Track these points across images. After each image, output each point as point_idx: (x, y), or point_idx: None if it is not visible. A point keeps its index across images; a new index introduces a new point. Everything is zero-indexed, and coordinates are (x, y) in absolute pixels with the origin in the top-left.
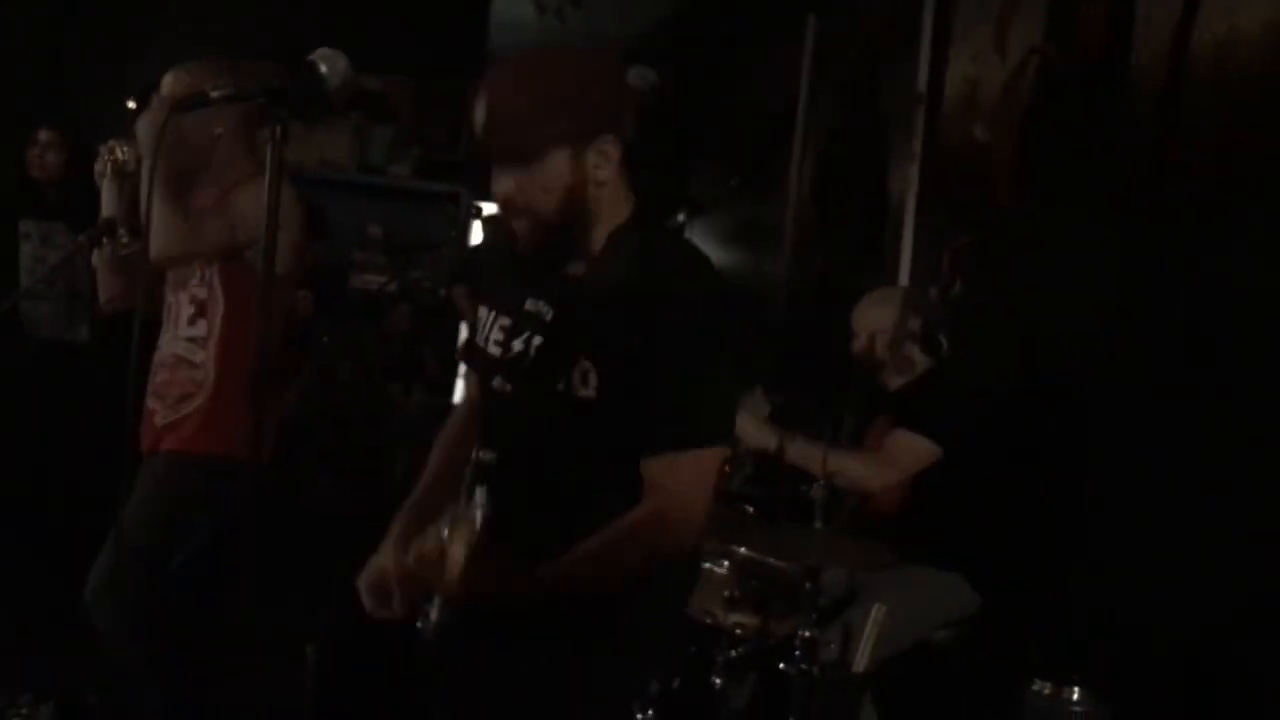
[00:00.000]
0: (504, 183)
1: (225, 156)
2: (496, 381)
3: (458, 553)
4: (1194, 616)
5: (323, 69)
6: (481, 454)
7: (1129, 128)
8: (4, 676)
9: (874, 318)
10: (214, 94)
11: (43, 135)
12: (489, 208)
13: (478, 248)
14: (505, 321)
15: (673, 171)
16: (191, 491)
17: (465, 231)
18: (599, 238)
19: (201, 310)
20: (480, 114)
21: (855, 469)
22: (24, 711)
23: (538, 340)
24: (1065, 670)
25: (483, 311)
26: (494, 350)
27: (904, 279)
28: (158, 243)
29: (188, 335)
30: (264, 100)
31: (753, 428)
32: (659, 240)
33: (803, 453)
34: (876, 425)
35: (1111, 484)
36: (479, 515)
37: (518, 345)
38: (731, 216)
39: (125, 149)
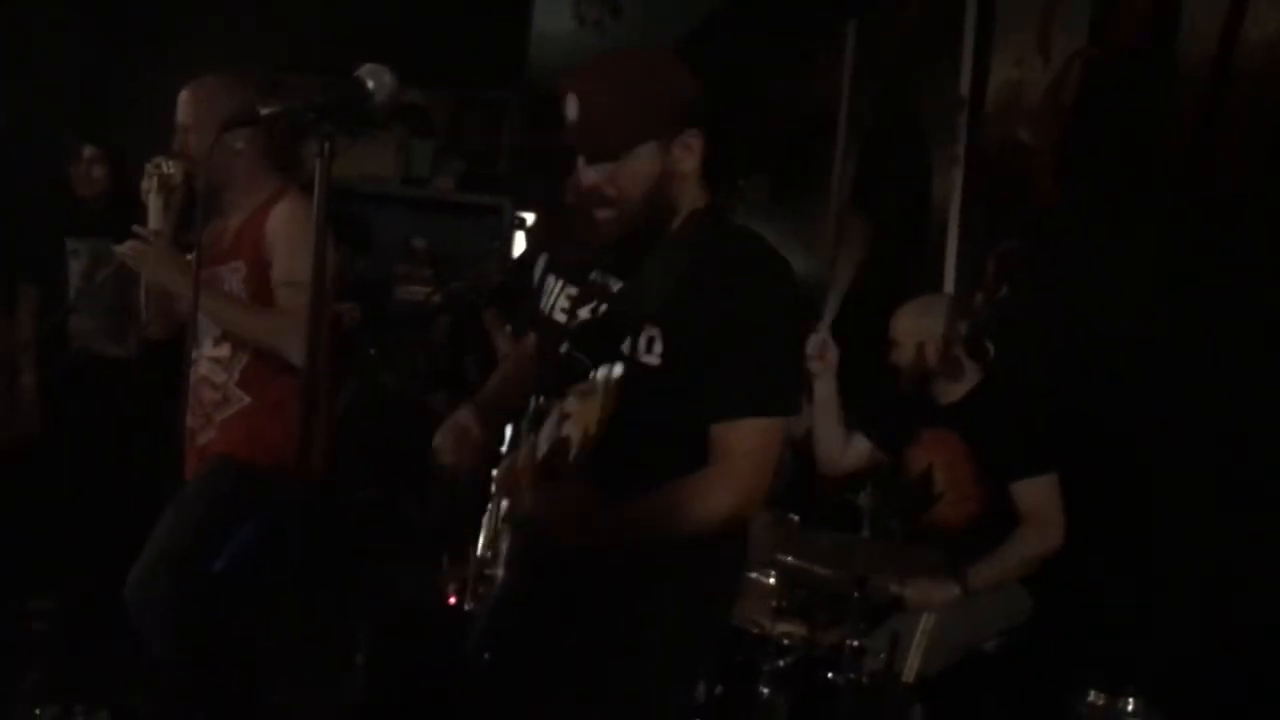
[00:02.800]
0: (591, 174)
1: (248, 173)
2: (563, 348)
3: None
4: (1251, 625)
5: (370, 84)
6: (541, 401)
7: (1174, 129)
8: (58, 685)
9: (920, 327)
10: (264, 112)
11: (87, 151)
12: (530, 218)
13: (521, 260)
14: (572, 291)
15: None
16: (230, 493)
17: (508, 242)
18: (677, 222)
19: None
20: (571, 111)
21: (1038, 548)
22: None
23: (604, 308)
24: (1120, 680)
25: (550, 280)
26: (559, 317)
27: (949, 283)
28: (288, 347)
29: (212, 355)
30: (313, 116)
31: (937, 589)
32: (732, 225)
33: (987, 574)
34: (928, 437)
35: (1166, 488)
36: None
37: (584, 313)
38: (773, 221)
39: (171, 165)
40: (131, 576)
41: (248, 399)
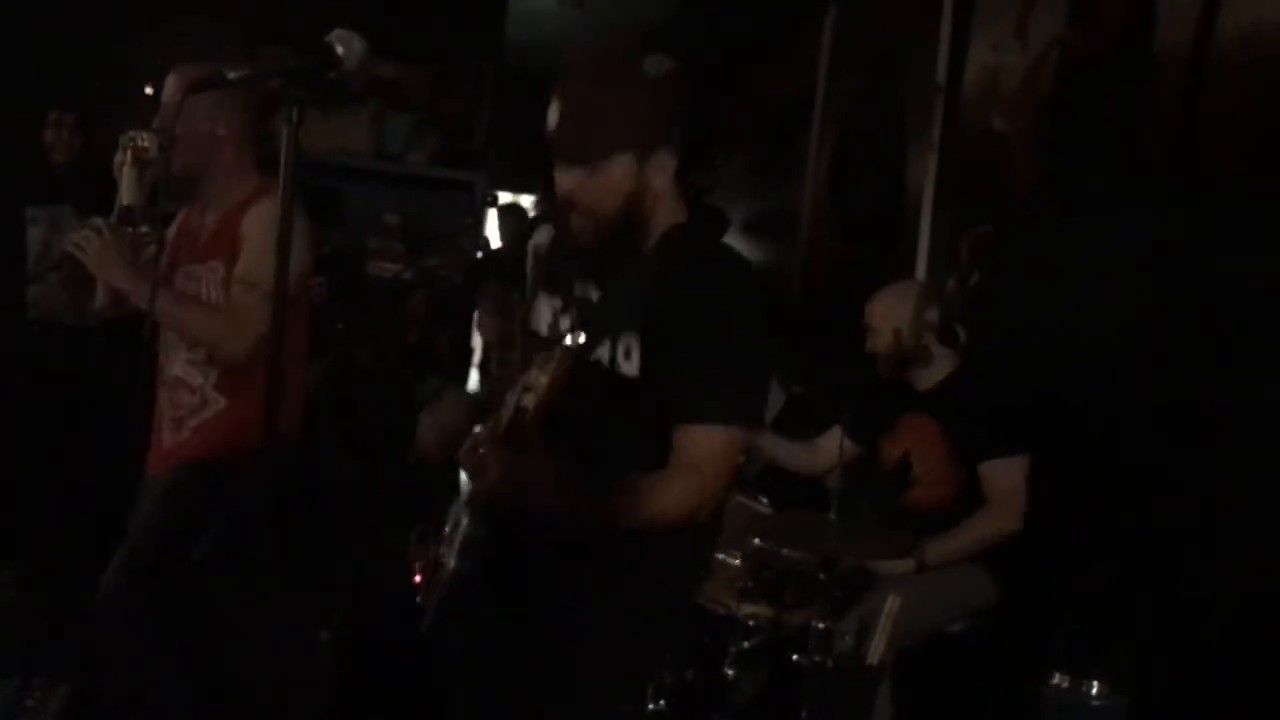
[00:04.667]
0: (566, 180)
1: (230, 166)
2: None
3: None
4: (1213, 609)
5: (339, 50)
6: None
7: (1151, 117)
8: (18, 659)
9: (895, 312)
10: (231, 75)
11: (63, 118)
12: (505, 196)
13: (496, 250)
14: (555, 303)
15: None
16: (204, 498)
17: (481, 220)
18: (653, 239)
19: None
20: (554, 113)
21: (979, 536)
22: (38, 695)
23: (583, 320)
24: (1084, 663)
25: (540, 297)
26: (542, 329)
27: (921, 269)
28: (229, 346)
29: (187, 358)
30: (280, 81)
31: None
32: (709, 242)
33: (945, 552)
34: (908, 421)
35: (1133, 475)
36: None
37: (564, 324)
38: (747, 205)
39: (146, 137)
40: (104, 586)
41: (224, 402)
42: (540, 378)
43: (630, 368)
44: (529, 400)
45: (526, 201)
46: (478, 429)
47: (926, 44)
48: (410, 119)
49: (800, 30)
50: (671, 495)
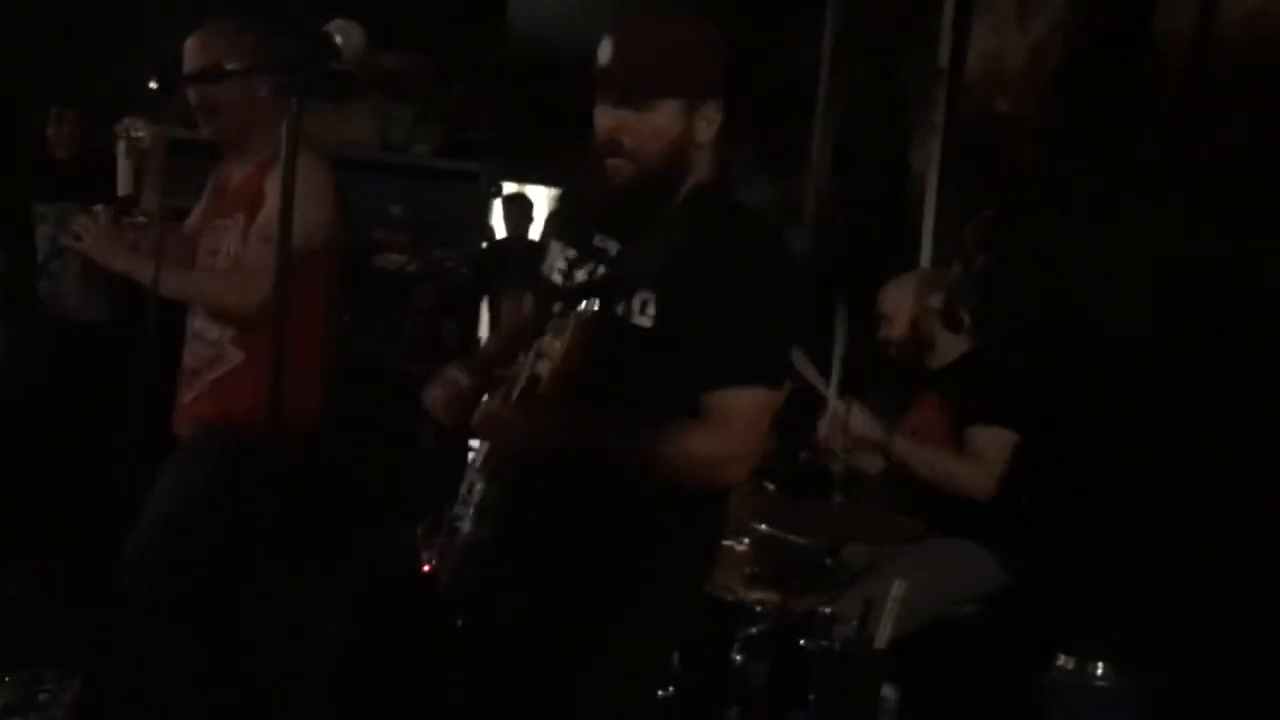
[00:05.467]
0: (611, 119)
1: (263, 124)
2: (557, 308)
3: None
4: (1217, 592)
5: (338, 39)
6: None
7: (1153, 99)
8: (30, 653)
9: (909, 300)
10: (230, 66)
11: (64, 114)
12: (510, 187)
13: (505, 241)
14: (571, 253)
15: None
16: (227, 462)
17: (487, 210)
18: (683, 193)
19: None
20: (605, 54)
21: (948, 468)
22: (50, 687)
23: (600, 270)
24: (1089, 645)
25: (553, 244)
26: (556, 278)
27: (926, 253)
28: (240, 304)
29: (206, 312)
30: (281, 71)
31: (864, 419)
32: (737, 201)
33: (911, 452)
34: (920, 399)
35: (1140, 458)
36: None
37: (580, 275)
38: (751, 190)
39: (140, 127)
40: (130, 548)
41: (242, 355)
42: (555, 344)
43: (644, 320)
44: (543, 368)
45: (531, 191)
46: (487, 399)
47: (929, 28)
48: (413, 110)
49: (803, 16)
50: (699, 443)
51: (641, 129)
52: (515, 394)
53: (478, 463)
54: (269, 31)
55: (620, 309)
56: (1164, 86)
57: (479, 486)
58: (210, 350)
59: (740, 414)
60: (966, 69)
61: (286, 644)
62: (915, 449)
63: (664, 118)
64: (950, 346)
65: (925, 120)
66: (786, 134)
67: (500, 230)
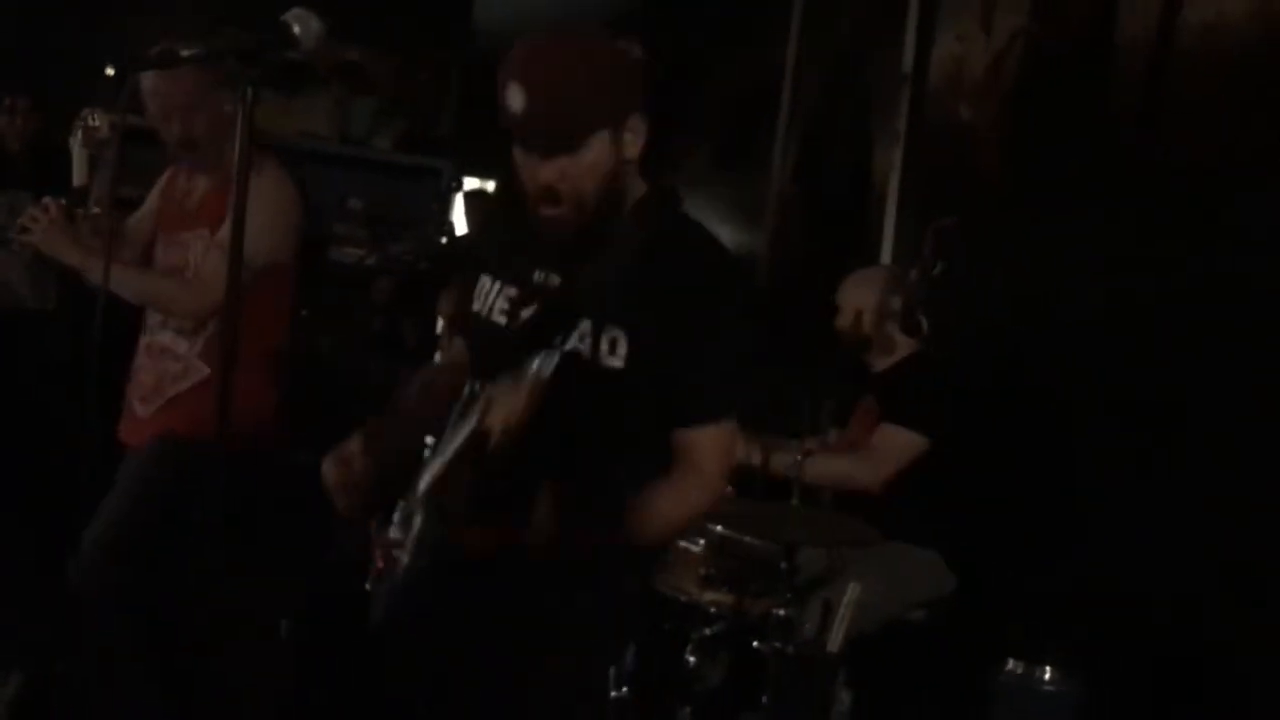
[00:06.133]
0: (546, 171)
1: (229, 138)
2: (510, 351)
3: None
4: (1164, 596)
5: (295, 29)
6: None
7: (1114, 108)
8: None
9: (859, 295)
10: (184, 53)
11: (19, 102)
12: (471, 182)
13: (463, 236)
14: (512, 291)
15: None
16: (185, 477)
17: (447, 206)
18: (628, 210)
19: None
20: (516, 102)
21: (842, 470)
22: None
23: (547, 309)
24: (1038, 650)
25: (485, 281)
26: (499, 319)
27: (886, 258)
28: (199, 303)
29: (175, 327)
30: (235, 61)
31: (781, 459)
32: (676, 214)
33: (812, 473)
34: (861, 406)
35: (1087, 465)
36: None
37: (526, 314)
38: (713, 193)
39: (99, 117)
40: (79, 561)
41: (208, 370)
42: (510, 398)
43: (616, 361)
44: (495, 419)
45: (493, 189)
46: (432, 462)
47: (893, 33)
48: (375, 104)
49: (770, 17)
50: (687, 505)
51: (575, 174)
52: (457, 449)
53: (418, 492)
54: (226, 23)
55: (584, 347)
56: (1125, 95)
57: (417, 519)
58: (177, 365)
59: (715, 453)
60: (930, 75)
61: (239, 643)
62: (813, 467)
63: (596, 153)
64: (898, 349)
65: (888, 125)
66: (748, 135)
67: (461, 227)
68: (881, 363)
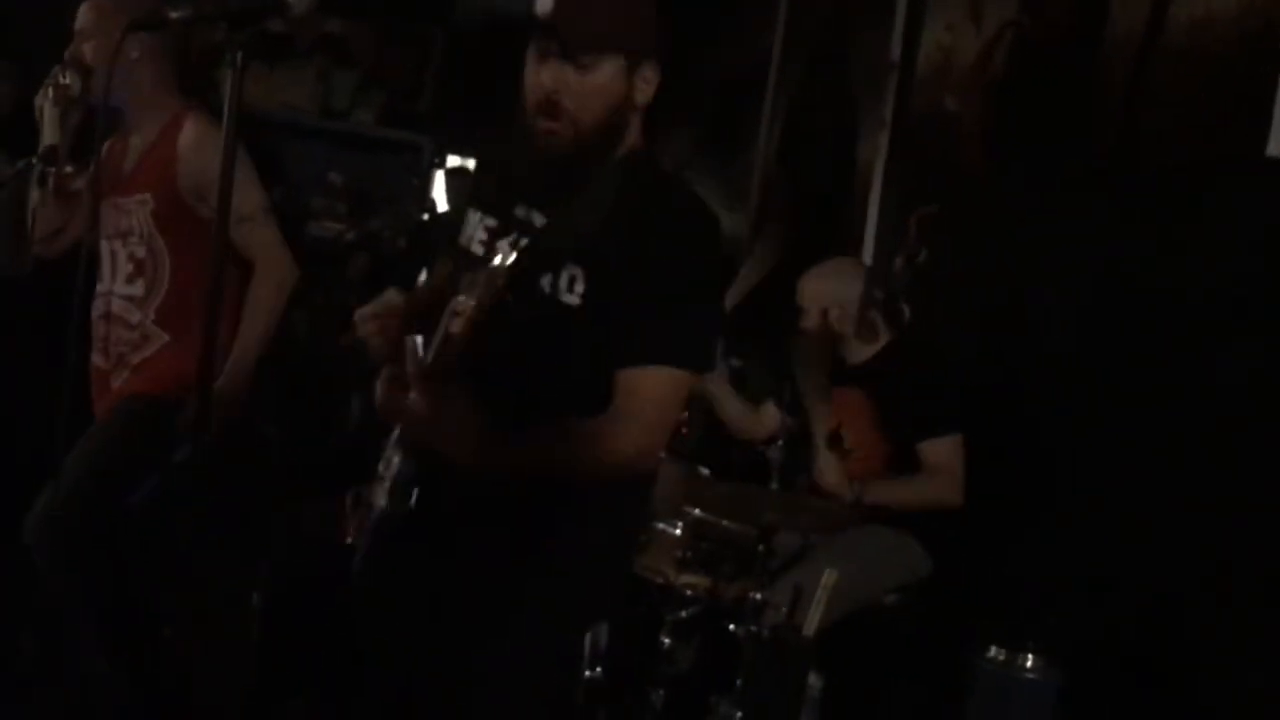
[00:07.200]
0: (552, 77)
1: (148, 89)
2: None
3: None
4: (1145, 584)
5: None
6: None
7: (1102, 100)
8: None
9: (824, 292)
10: (173, 15)
11: (1, 67)
12: (452, 159)
13: (446, 215)
14: (491, 222)
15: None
16: (147, 432)
17: (427, 181)
18: (613, 161)
19: (140, 269)
20: (545, 4)
21: (936, 495)
22: None
23: (524, 243)
24: (1018, 637)
25: (470, 213)
26: (477, 249)
27: (869, 246)
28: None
29: (124, 294)
30: (225, 23)
31: (835, 472)
32: (666, 173)
33: (883, 497)
34: (837, 396)
35: (1068, 452)
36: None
37: (503, 246)
38: (697, 178)
39: (69, 75)
40: (33, 516)
41: (167, 336)
42: (468, 301)
43: (572, 298)
44: (457, 325)
45: (474, 166)
46: (398, 369)
47: (880, 22)
48: (356, 76)
49: (757, 3)
50: (612, 444)
51: (583, 89)
52: (429, 357)
53: (395, 437)
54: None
55: (546, 283)
56: (1112, 89)
57: (395, 461)
58: (134, 334)
59: (657, 397)
60: (917, 64)
61: (207, 614)
62: (885, 493)
63: (606, 77)
64: (880, 339)
65: (874, 113)
66: (734, 120)
67: (442, 204)
68: (860, 352)
